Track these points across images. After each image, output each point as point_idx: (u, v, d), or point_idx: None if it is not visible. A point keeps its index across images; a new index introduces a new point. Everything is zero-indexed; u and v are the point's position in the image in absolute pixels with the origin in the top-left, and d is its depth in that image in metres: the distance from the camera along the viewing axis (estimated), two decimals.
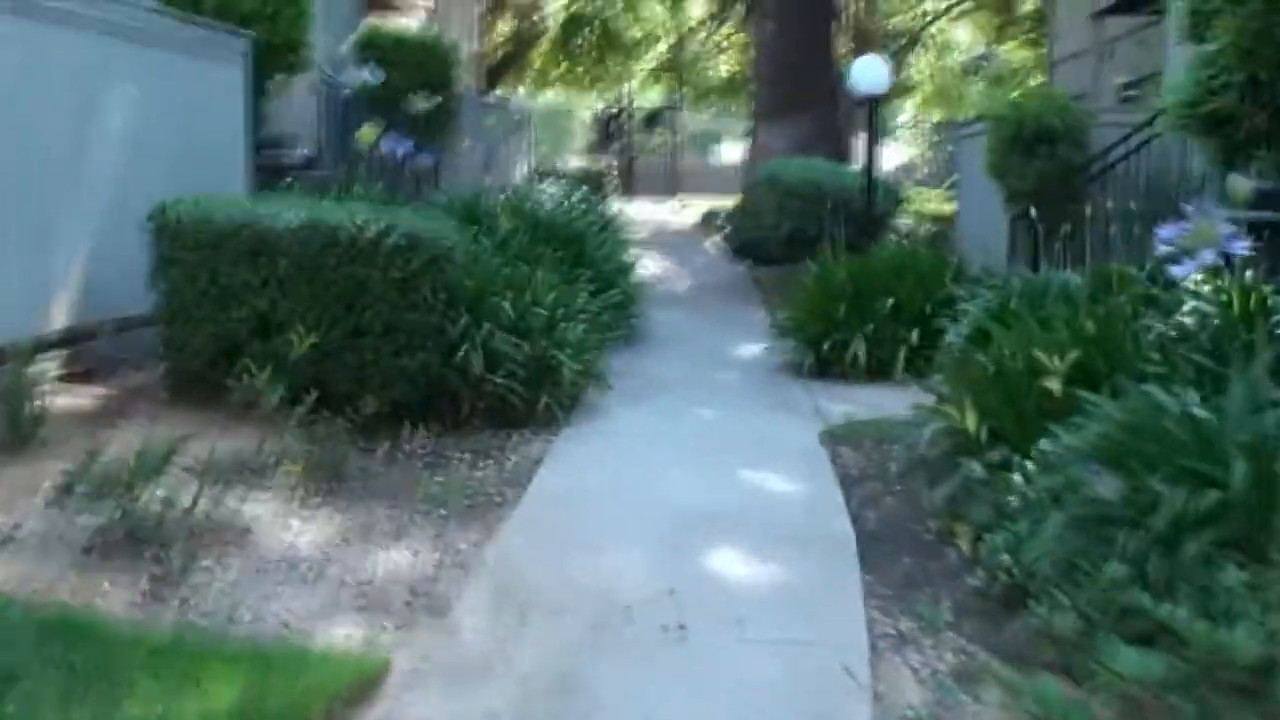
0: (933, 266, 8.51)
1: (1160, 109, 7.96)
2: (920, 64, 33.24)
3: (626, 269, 9.87)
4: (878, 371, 8.19)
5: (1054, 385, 4.53)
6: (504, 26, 30.21)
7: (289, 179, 10.54)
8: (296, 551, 4.60)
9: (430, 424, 6.33)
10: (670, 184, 25.34)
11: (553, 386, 6.67)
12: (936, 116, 31.74)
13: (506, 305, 6.59)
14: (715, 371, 8.59)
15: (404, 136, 10.87)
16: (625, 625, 4.02)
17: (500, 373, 6.41)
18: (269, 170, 11.21)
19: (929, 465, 5.48)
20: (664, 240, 17.14)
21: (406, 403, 6.14)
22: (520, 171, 17.03)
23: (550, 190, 12.36)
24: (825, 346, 8.24)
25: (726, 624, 4.03)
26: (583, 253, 9.20)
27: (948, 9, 28.56)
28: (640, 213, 20.64)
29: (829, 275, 8.59)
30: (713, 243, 17.24)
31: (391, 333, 6.00)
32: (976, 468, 4.61)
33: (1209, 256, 4.28)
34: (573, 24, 28.57)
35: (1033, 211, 9.76)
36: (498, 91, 24.32)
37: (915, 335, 8.08)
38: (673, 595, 4.23)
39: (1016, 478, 4.34)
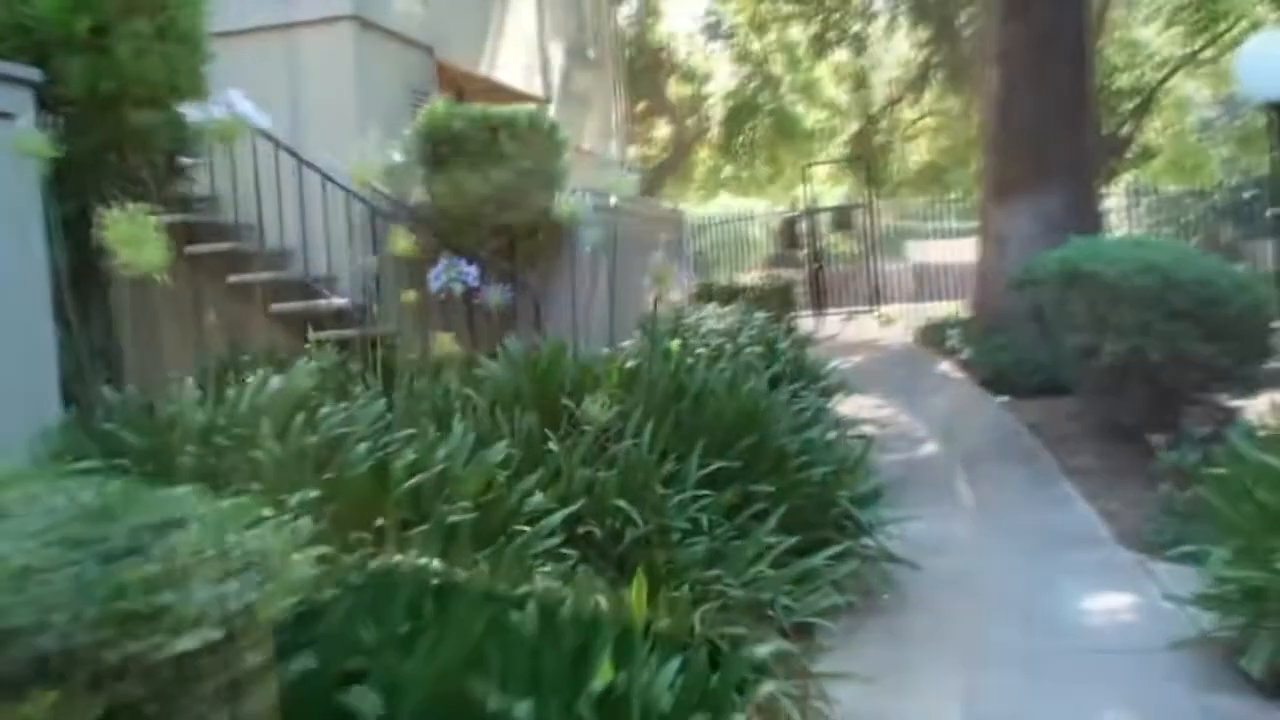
0: None
1: None
2: (1149, 129, 27.78)
3: (855, 461, 5.16)
4: None
5: None
6: (660, 131, 26.47)
7: (318, 340, 6.47)
8: None
9: None
10: (867, 294, 20.69)
11: None
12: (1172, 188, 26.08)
13: None
14: None
15: (468, 262, 6.67)
16: None
17: None
18: (299, 324, 7.59)
19: None
20: (878, 370, 12.49)
21: None
22: (677, 294, 12.71)
23: (711, 323, 8.03)
24: None
25: None
26: (764, 449, 4.66)
27: (1193, 54, 23.27)
28: (837, 330, 16.37)
29: None
30: (947, 370, 12.45)
31: None
32: None
33: None
34: (738, 116, 24.31)
35: None
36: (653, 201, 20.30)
37: None
38: None
39: None
